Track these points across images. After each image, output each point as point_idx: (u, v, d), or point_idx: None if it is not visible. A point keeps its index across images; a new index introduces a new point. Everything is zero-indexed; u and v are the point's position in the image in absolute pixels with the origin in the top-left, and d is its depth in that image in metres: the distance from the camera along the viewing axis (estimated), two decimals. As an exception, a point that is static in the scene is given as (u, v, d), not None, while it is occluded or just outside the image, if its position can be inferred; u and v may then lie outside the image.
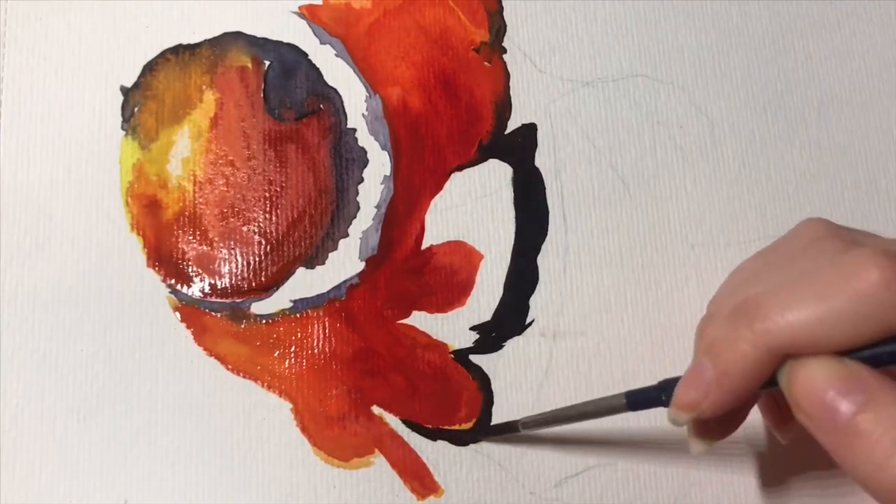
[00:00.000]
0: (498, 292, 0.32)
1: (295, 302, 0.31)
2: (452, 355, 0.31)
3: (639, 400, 0.26)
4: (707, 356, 0.23)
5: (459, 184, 0.32)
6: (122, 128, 0.32)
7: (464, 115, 0.33)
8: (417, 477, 0.30)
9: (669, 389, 0.25)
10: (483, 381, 0.31)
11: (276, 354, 0.30)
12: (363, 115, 0.33)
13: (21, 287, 0.30)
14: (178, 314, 0.31)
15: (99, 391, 0.30)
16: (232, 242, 0.31)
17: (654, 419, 0.31)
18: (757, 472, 0.31)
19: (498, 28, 0.34)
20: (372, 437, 0.30)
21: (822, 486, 0.31)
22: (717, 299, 0.26)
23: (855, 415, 0.21)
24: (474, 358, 0.31)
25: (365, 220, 0.32)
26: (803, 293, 0.21)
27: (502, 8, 0.34)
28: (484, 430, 0.30)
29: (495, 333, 0.31)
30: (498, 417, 0.30)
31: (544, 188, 0.33)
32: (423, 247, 0.32)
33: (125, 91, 0.32)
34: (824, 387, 0.21)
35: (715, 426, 0.25)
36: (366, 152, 0.32)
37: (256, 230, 0.31)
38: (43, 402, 0.30)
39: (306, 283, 0.31)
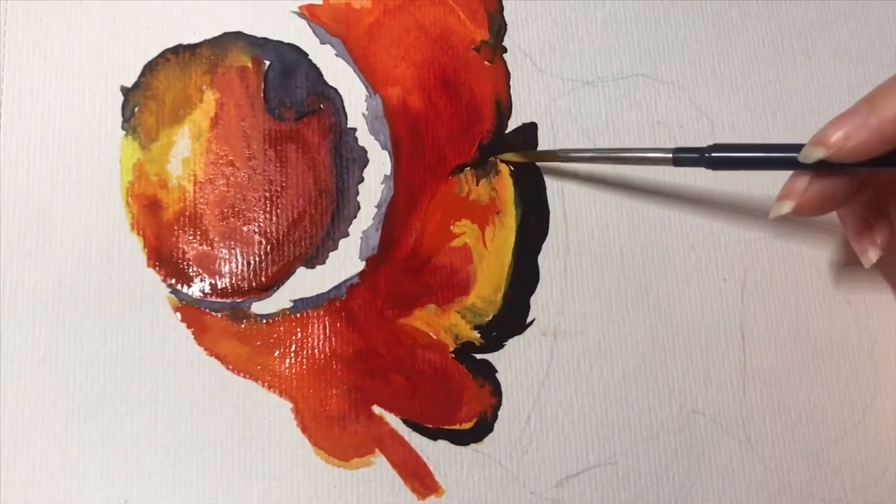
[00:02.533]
0: (498, 292, 0.32)
1: (295, 302, 0.31)
2: (453, 355, 0.31)
3: (684, 157, 0.28)
4: (865, 104, 0.25)
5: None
6: (123, 128, 0.32)
7: (464, 114, 0.33)
8: (418, 477, 0.30)
9: (718, 149, 0.27)
10: (488, 379, 0.31)
11: (276, 354, 0.30)
12: (363, 114, 0.33)
13: (21, 287, 0.30)
14: (178, 314, 0.31)
15: (99, 391, 0.30)
16: (232, 242, 0.31)
17: (653, 419, 0.31)
18: (758, 472, 0.31)
19: (498, 27, 0.34)
20: (372, 437, 0.30)
21: (825, 486, 0.31)
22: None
23: None
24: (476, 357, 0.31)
25: (365, 219, 0.32)
26: None
27: (502, 7, 0.34)
28: (522, 153, 0.31)
29: (496, 333, 0.31)
30: (501, 417, 0.30)
31: (545, 187, 0.33)
32: (423, 246, 0.32)
33: (125, 91, 0.32)
34: None
35: (818, 193, 0.27)
36: (366, 152, 0.32)
37: (257, 230, 0.31)
38: (43, 402, 0.30)
39: (306, 282, 0.31)
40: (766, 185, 0.33)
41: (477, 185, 0.32)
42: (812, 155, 0.26)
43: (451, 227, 0.32)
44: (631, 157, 0.30)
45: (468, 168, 0.32)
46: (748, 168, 0.29)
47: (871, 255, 0.28)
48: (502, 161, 0.31)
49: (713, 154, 0.28)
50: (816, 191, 0.27)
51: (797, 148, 0.27)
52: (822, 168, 0.26)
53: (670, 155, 0.29)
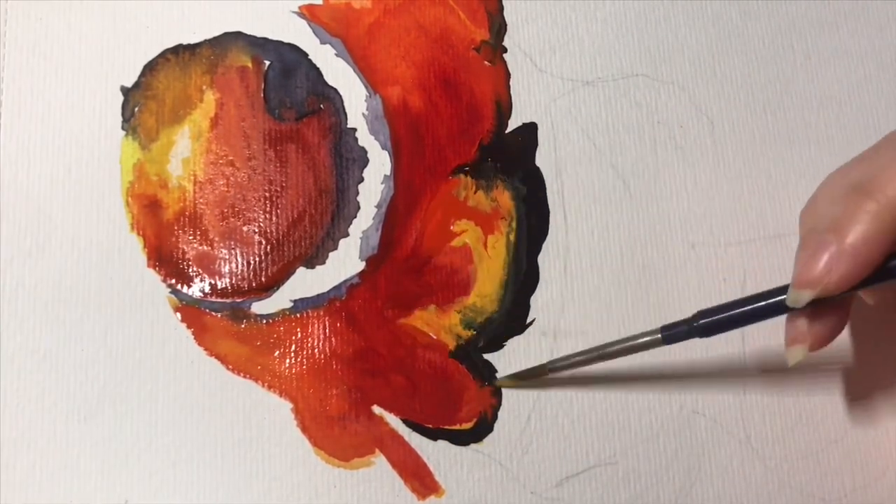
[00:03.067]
0: (498, 292, 0.32)
1: (295, 302, 0.31)
2: (453, 355, 0.31)
3: (674, 333, 0.27)
4: (829, 232, 0.24)
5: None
6: (123, 128, 0.32)
7: (464, 114, 0.33)
8: (418, 477, 0.30)
9: (705, 315, 0.26)
10: (488, 379, 0.31)
11: (276, 354, 0.30)
12: (363, 114, 0.33)
13: (21, 287, 0.30)
14: (178, 314, 0.31)
15: (99, 391, 0.30)
16: (232, 242, 0.31)
17: (653, 419, 0.31)
18: (758, 472, 0.31)
19: (498, 27, 0.34)
20: (372, 437, 0.30)
21: (825, 486, 0.31)
22: (824, 187, 0.26)
23: None
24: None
25: (365, 219, 0.32)
26: None
27: (503, 7, 0.34)
28: (514, 374, 0.31)
29: (496, 333, 0.31)
30: (501, 417, 0.30)
31: (545, 187, 0.33)
32: (423, 246, 0.32)
33: (125, 91, 0.32)
34: None
35: (821, 326, 0.26)
36: (366, 152, 0.32)
37: (257, 230, 0.31)
38: (43, 402, 0.30)
39: (306, 282, 0.31)
40: (766, 184, 0.33)
41: (475, 193, 0.32)
42: (801, 299, 0.25)
43: (451, 227, 0.32)
44: (620, 349, 0.29)
45: (467, 176, 0.32)
46: (741, 325, 0.28)
47: (871, 298, 0.28)
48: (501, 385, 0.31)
49: (701, 322, 0.27)
50: (820, 326, 0.26)
51: (783, 291, 0.26)
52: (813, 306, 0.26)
53: (659, 335, 0.28)
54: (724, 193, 0.33)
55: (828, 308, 0.26)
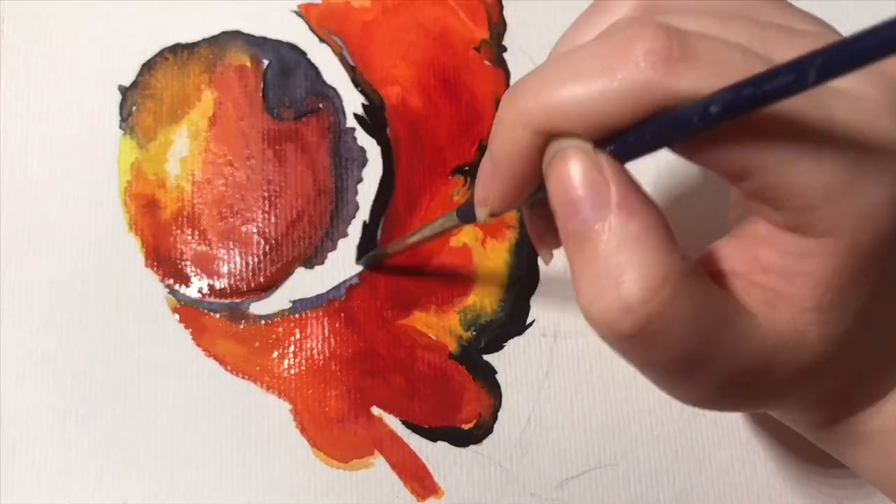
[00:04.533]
0: (498, 293, 0.31)
1: (294, 302, 0.31)
2: (452, 356, 0.31)
3: (466, 211, 0.24)
4: (488, 148, 0.21)
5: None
6: (120, 127, 0.32)
7: (464, 114, 0.33)
8: (417, 478, 0.30)
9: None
10: (487, 380, 0.31)
11: (275, 355, 0.30)
12: (355, 114, 0.33)
13: (19, 287, 0.30)
14: (176, 315, 0.30)
15: (97, 392, 0.30)
16: (231, 242, 0.31)
17: (654, 421, 0.31)
18: (760, 474, 0.31)
19: (498, 27, 0.34)
20: (372, 438, 0.30)
21: (826, 486, 0.31)
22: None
23: (592, 226, 0.19)
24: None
25: (365, 219, 0.32)
26: (563, 69, 0.19)
27: (503, 7, 0.34)
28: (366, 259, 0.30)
29: (495, 334, 0.31)
30: (501, 418, 0.30)
31: (545, 187, 0.32)
32: (423, 247, 0.31)
33: (123, 90, 0.32)
34: (572, 186, 0.19)
35: (549, 234, 0.24)
36: (365, 152, 0.32)
37: (255, 230, 0.31)
38: (40, 402, 0.29)
39: (306, 283, 0.31)
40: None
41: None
42: (481, 216, 0.22)
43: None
44: (424, 236, 0.27)
45: (465, 185, 0.32)
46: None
47: (545, 259, 0.25)
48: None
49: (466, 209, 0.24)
50: (496, 192, 0.22)
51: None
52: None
53: (454, 214, 0.25)
54: (723, 193, 0.33)
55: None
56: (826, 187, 0.18)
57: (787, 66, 0.16)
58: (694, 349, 0.19)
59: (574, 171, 0.19)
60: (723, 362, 0.20)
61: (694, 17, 0.20)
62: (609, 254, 0.18)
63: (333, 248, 0.31)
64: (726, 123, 0.17)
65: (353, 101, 0.33)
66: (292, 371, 0.30)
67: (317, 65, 0.33)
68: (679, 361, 0.19)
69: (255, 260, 0.31)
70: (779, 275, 0.20)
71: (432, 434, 0.30)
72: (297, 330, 0.30)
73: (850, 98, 0.19)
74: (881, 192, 0.19)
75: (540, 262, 0.32)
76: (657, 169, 0.33)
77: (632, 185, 0.19)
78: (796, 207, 0.19)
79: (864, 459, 0.24)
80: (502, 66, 0.33)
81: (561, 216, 0.19)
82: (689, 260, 0.19)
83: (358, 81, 0.33)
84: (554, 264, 0.32)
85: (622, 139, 0.19)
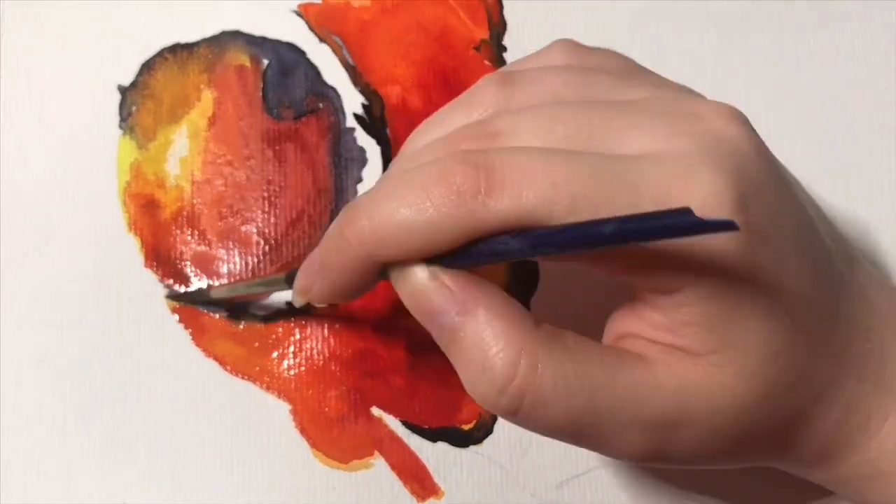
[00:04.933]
0: (498, 293, 0.31)
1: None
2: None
3: (292, 278, 0.26)
4: (319, 248, 0.24)
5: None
6: (120, 127, 0.32)
7: (464, 114, 0.33)
8: (417, 479, 0.30)
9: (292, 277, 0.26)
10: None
11: (274, 355, 0.30)
12: (355, 114, 0.33)
13: (18, 287, 0.30)
14: (176, 315, 0.30)
15: (97, 392, 0.30)
16: (230, 242, 0.31)
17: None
18: (759, 472, 0.31)
19: (498, 27, 0.34)
20: (371, 439, 0.30)
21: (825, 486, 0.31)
22: None
23: (452, 325, 0.21)
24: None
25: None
26: (393, 196, 0.21)
27: (503, 7, 0.34)
28: (179, 295, 0.31)
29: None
30: (499, 418, 0.30)
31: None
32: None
33: (123, 90, 0.32)
34: (421, 298, 0.22)
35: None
36: (365, 151, 0.32)
37: (255, 230, 0.31)
38: (40, 402, 0.29)
39: (305, 283, 0.31)
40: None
41: None
42: (296, 301, 0.25)
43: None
44: (254, 284, 0.30)
45: None
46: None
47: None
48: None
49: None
50: (318, 290, 0.25)
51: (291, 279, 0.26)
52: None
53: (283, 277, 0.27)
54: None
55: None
56: (655, 257, 0.20)
57: (582, 230, 0.19)
58: (578, 406, 0.21)
59: (418, 283, 0.22)
60: (621, 413, 0.21)
61: (528, 115, 0.22)
62: (472, 344, 0.21)
63: (333, 248, 0.31)
64: None
65: (352, 101, 0.33)
66: (292, 371, 0.30)
67: (316, 65, 0.33)
68: (572, 422, 0.21)
69: (255, 260, 0.31)
70: (665, 330, 0.21)
71: (432, 434, 0.30)
72: (296, 330, 0.30)
73: (658, 161, 0.20)
74: (712, 242, 0.20)
75: (540, 261, 0.32)
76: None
77: (469, 282, 0.21)
78: (640, 275, 0.21)
79: (879, 501, 0.24)
80: (502, 66, 0.33)
81: (426, 322, 0.22)
82: (546, 327, 0.21)
83: (358, 81, 0.33)
84: (554, 265, 0.32)
85: (452, 260, 0.21)
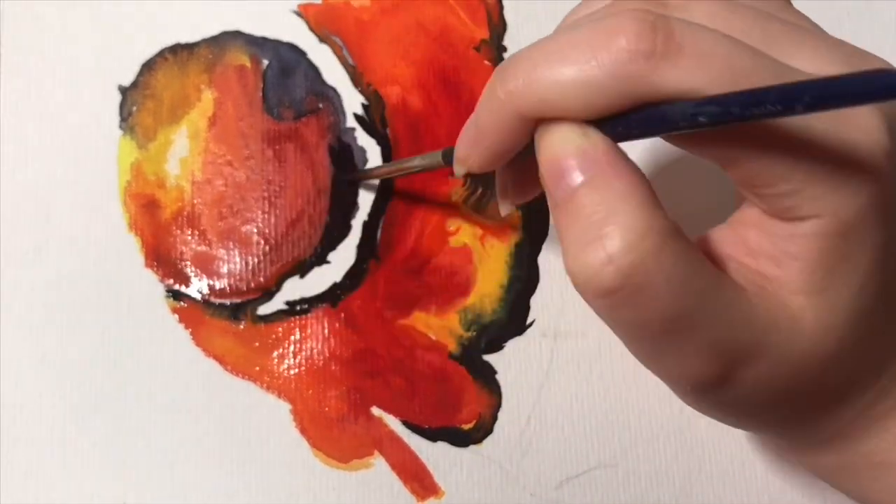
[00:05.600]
0: (498, 293, 0.31)
1: (294, 302, 0.31)
2: (452, 356, 0.31)
3: (449, 153, 0.26)
4: (475, 112, 0.23)
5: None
6: (120, 127, 0.32)
7: (464, 113, 0.33)
8: (417, 478, 0.30)
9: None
10: (487, 380, 0.31)
11: (274, 355, 0.30)
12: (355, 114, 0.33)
13: (19, 287, 0.30)
14: (176, 315, 0.30)
15: (97, 392, 0.30)
16: (230, 242, 0.31)
17: (653, 420, 0.31)
18: (759, 474, 0.31)
19: (498, 27, 0.34)
20: (371, 439, 0.30)
21: (825, 486, 0.31)
22: None
23: (579, 187, 0.20)
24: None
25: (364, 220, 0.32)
26: (553, 54, 0.20)
27: (503, 7, 0.34)
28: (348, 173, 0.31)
29: (495, 334, 0.31)
30: (501, 419, 0.30)
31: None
32: (423, 247, 0.31)
33: (123, 90, 0.32)
34: (561, 153, 0.20)
35: (512, 190, 0.25)
36: (365, 152, 0.32)
37: (255, 230, 0.31)
38: (41, 402, 0.29)
39: (306, 283, 0.31)
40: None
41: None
42: (458, 172, 0.24)
43: (447, 225, 0.32)
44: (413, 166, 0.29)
45: (463, 186, 0.32)
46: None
47: (503, 209, 0.26)
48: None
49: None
50: (476, 157, 0.24)
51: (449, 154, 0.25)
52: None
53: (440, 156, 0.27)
54: (723, 193, 0.33)
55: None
56: (806, 173, 0.19)
57: (778, 92, 0.17)
58: (679, 307, 0.19)
59: (563, 139, 0.20)
60: (711, 329, 0.20)
61: (703, 1, 0.21)
62: (593, 211, 0.19)
63: (333, 248, 0.31)
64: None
65: (353, 101, 0.33)
66: (292, 371, 0.30)
67: (317, 65, 0.33)
68: (665, 320, 0.20)
69: (255, 260, 0.31)
70: (768, 258, 0.21)
71: (432, 434, 0.30)
72: (296, 330, 0.30)
73: None
74: (860, 175, 0.19)
75: (540, 261, 0.32)
76: (656, 161, 0.33)
77: (617, 150, 0.20)
78: (780, 193, 0.20)
79: (878, 493, 0.24)
80: (502, 65, 0.33)
81: (549, 183, 0.20)
82: (674, 222, 0.20)
83: (358, 81, 0.33)
84: (554, 265, 0.32)
85: (609, 124, 0.20)
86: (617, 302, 0.19)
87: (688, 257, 0.20)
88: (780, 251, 0.20)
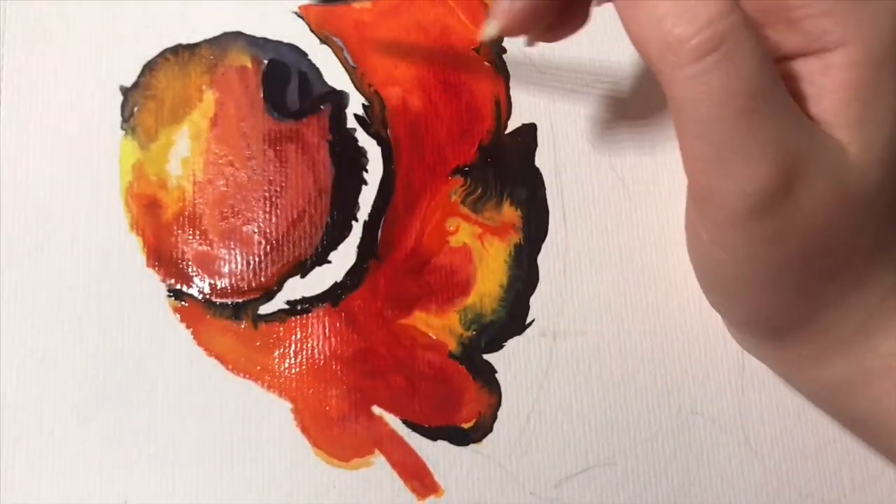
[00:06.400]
0: (498, 292, 0.32)
1: (295, 302, 0.31)
2: (452, 355, 0.31)
3: None
4: None
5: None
6: (122, 127, 0.32)
7: (464, 114, 0.33)
8: (417, 477, 0.30)
9: None
10: (487, 379, 0.31)
11: (275, 355, 0.30)
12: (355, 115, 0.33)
13: (20, 287, 0.30)
14: (177, 314, 0.30)
15: (99, 391, 0.30)
16: (232, 242, 0.31)
17: (652, 419, 0.31)
18: (757, 473, 0.31)
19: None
20: (372, 438, 0.30)
21: (824, 486, 0.31)
22: None
23: None
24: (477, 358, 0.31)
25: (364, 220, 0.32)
26: None
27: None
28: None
29: (495, 333, 0.31)
30: (501, 417, 0.30)
31: (545, 189, 0.33)
32: (423, 247, 0.32)
33: (125, 91, 0.32)
34: None
35: (524, 12, 0.26)
36: (365, 152, 0.32)
37: (256, 230, 0.31)
38: (42, 402, 0.30)
39: (306, 283, 0.31)
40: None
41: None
42: (493, 27, 0.26)
43: (446, 225, 0.32)
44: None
45: (464, 186, 0.32)
46: None
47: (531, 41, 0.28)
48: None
49: None
50: (519, 8, 0.26)
51: None
52: None
53: None
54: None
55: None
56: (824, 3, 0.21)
57: None
58: (760, 82, 0.20)
59: None
60: (777, 122, 0.21)
61: None
62: None
63: (334, 248, 0.31)
64: None
65: (353, 102, 0.33)
66: (293, 371, 0.30)
67: (317, 65, 0.33)
68: (746, 95, 0.20)
69: (257, 260, 0.31)
70: (808, 100, 0.22)
71: (432, 433, 0.30)
72: (297, 330, 0.31)
73: None
74: (886, 6, 0.21)
75: (540, 261, 0.32)
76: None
77: None
78: (808, 17, 0.21)
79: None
80: (502, 67, 0.33)
81: None
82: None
83: (358, 82, 0.33)
84: (554, 265, 0.32)
85: None
86: (710, 65, 0.20)
87: (760, 42, 0.21)
88: (815, 88, 0.22)
